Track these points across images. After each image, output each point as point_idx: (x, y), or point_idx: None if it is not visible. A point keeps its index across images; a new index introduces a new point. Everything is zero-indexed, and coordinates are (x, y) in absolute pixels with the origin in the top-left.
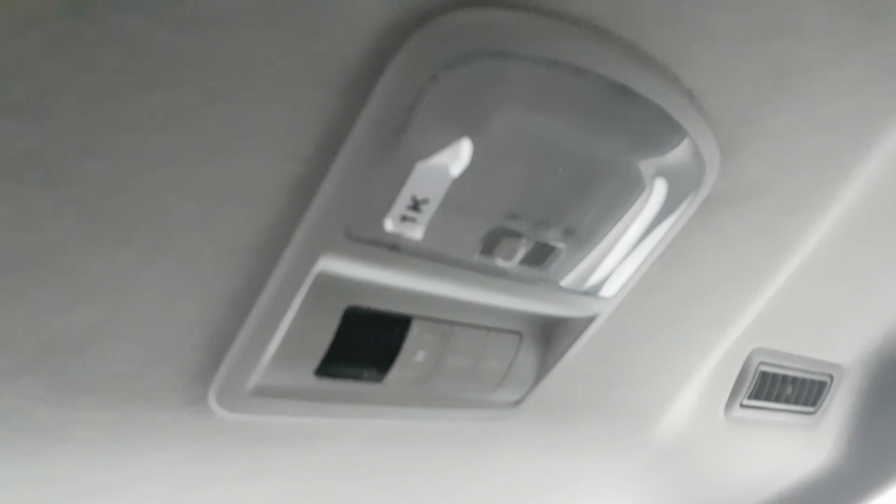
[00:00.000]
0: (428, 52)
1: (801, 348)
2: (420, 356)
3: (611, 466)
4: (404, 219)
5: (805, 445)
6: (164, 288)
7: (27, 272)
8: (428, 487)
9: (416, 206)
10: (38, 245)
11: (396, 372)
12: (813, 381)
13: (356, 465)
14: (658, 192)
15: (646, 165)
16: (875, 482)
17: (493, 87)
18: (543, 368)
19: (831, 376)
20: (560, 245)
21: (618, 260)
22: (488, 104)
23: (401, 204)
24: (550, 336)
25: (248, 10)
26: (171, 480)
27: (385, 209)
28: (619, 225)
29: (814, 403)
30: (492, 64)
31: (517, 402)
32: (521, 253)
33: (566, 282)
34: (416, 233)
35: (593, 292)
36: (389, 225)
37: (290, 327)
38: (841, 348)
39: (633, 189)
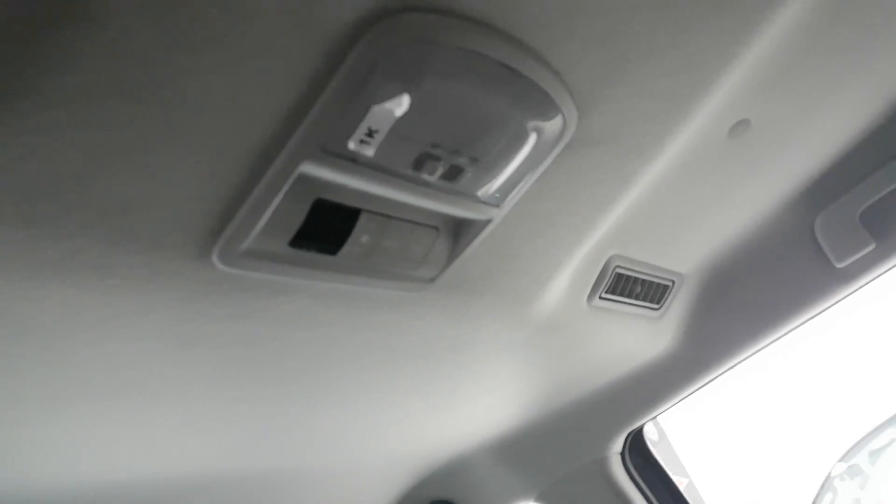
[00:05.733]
0: (383, 38)
1: (651, 258)
2: (365, 238)
3: (498, 336)
4: (362, 142)
5: (651, 334)
6: (191, 174)
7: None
8: (362, 340)
9: (370, 133)
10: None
11: (347, 248)
12: (658, 284)
13: (308, 317)
14: (534, 136)
15: (525, 119)
16: (704, 368)
17: (424, 62)
18: (453, 255)
19: (673, 281)
20: (467, 167)
21: (506, 181)
22: (421, 72)
23: (360, 132)
24: (459, 232)
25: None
26: (179, 314)
27: (349, 134)
28: (507, 157)
29: (658, 301)
30: (424, 47)
31: (432, 279)
32: (440, 171)
33: (471, 193)
34: (369, 151)
35: (489, 202)
36: (352, 145)
37: (275, 210)
38: (682, 259)
39: (517, 133)
